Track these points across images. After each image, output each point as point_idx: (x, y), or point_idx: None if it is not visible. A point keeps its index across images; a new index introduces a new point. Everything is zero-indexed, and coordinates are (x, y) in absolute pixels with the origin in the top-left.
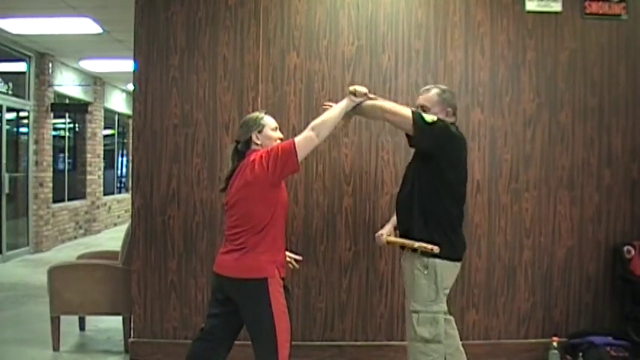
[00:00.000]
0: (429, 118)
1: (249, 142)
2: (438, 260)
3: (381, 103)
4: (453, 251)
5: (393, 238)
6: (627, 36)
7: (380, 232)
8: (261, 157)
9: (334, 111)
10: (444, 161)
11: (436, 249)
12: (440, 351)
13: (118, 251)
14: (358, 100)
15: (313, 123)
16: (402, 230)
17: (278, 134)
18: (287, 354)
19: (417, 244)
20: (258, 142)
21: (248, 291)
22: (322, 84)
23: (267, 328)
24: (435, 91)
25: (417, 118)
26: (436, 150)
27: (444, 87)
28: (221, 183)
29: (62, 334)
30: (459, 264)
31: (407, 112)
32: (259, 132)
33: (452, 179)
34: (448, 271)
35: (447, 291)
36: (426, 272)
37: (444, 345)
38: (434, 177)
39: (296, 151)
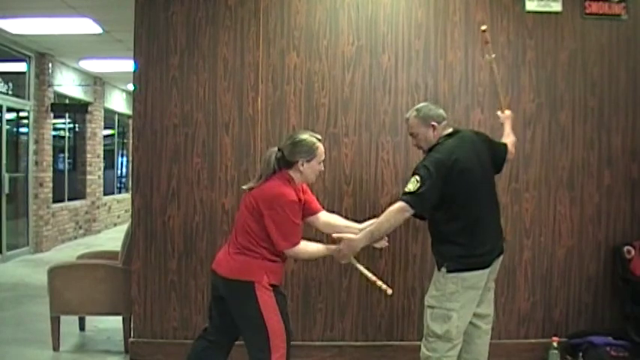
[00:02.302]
0: (411, 186)
1: (292, 163)
2: (455, 274)
3: (382, 220)
4: (471, 262)
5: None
6: (627, 36)
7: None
8: (272, 209)
9: (321, 250)
10: (451, 191)
11: (389, 291)
12: (448, 350)
13: (118, 251)
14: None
15: (302, 248)
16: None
17: (321, 167)
18: (282, 355)
19: (378, 283)
20: (301, 170)
21: (235, 291)
22: (322, 84)
23: (257, 328)
24: (412, 114)
25: (407, 199)
26: (444, 195)
27: (419, 105)
28: (252, 181)
29: (62, 334)
30: (480, 271)
31: (398, 205)
32: (308, 161)
33: (462, 199)
34: (470, 278)
35: (478, 292)
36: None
37: (465, 351)
38: (444, 203)
39: (282, 247)
